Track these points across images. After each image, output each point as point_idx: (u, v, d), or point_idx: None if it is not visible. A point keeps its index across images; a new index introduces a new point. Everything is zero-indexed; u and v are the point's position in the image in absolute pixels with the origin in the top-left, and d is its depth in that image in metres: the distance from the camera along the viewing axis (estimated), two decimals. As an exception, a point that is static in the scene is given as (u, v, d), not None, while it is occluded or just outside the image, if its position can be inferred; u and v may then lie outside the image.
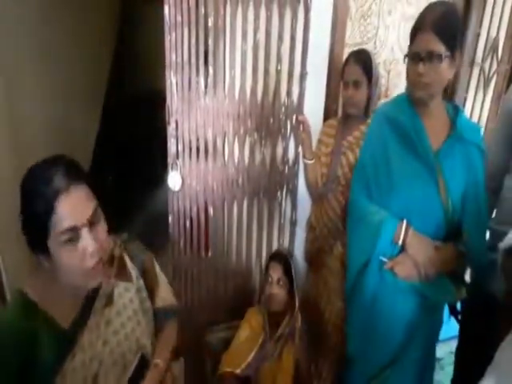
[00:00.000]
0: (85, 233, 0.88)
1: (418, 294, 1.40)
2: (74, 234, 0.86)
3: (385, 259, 1.40)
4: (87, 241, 0.88)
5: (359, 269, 1.47)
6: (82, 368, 0.96)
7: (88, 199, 0.90)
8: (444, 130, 1.36)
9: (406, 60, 1.32)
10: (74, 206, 0.86)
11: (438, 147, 1.34)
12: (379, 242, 1.39)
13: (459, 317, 1.62)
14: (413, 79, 1.30)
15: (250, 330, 1.66)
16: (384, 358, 1.51)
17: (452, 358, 1.71)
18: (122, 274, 1.08)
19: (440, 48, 1.22)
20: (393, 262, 1.38)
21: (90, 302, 1.01)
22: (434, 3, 1.29)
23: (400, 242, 1.36)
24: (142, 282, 1.13)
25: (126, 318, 1.06)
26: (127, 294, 1.08)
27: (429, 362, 1.58)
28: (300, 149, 1.90)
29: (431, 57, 1.23)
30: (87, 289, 0.99)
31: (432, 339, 1.56)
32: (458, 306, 1.62)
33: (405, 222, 1.36)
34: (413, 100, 1.35)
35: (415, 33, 1.28)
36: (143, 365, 1.08)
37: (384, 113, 1.46)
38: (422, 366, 1.53)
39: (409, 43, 1.32)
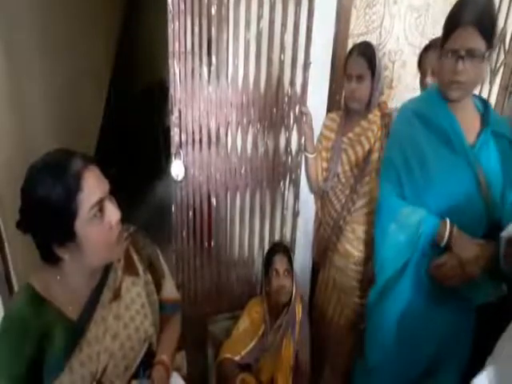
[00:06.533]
0: (108, 204, 0.92)
1: (457, 297, 1.32)
2: (99, 206, 0.90)
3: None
4: (112, 211, 0.92)
5: (392, 275, 1.37)
6: (89, 361, 0.97)
7: (102, 175, 0.94)
8: (475, 123, 1.31)
9: (438, 56, 1.25)
10: (96, 180, 0.90)
11: (473, 141, 1.29)
12: (419, 243, 1.29)
13: None
14: (448, 77, 1.21)
15: (249, 321, 1.67)
16: (414, 371, 1.44)
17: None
18: (129, 268, 1.09)
19: (481, 45, 1.14)
20: (437, 263, 1.28)
21: (97, 295, 1.01)
22: None
23: (444, 242, 1.26)
24: (149, 275, 1.13)
25: (135, 311, 1.07)
26: (135, 288, 1.08)
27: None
28: (303, 140, 1.90)
29: (472, 55, 1.15)
30: (102, 267, 1.01)
31: (467, 348, 1.46)
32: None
33: (448, 220, 1.26)
34: (446, 99, 1.28)
35: (453, 28, 1.18)
36: (149, 352, 1.10)
37: (412, 109, 1.38)
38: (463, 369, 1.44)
39: (442, 38, 1.24)
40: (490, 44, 1.16)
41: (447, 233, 1.26)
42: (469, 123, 1.30)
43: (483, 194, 1.26)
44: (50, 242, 0.89)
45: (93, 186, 0.88)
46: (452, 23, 1.20)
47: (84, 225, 0.88)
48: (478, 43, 1.15)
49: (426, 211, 1.30)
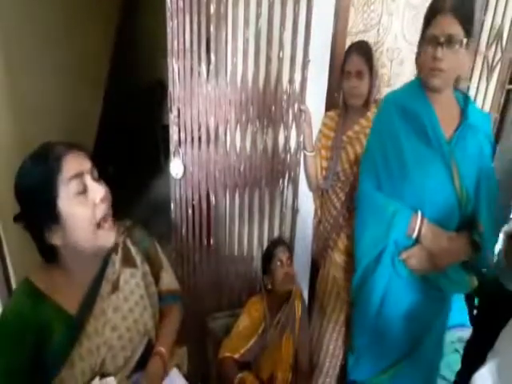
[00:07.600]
0: (90, 181, 0.93)
1: (431, 287, 1.37)
2: (81, 182, 0.91)
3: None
4: (95, 188, 0.93)
5: (369, 263, 1.43)
6: (89, 355, 0.97)
7: (86, 157, 0.96)
8: (455, 118, 1.32)
9: (419, 45, 1.27)
10: (76, 158, 0.93)
11: (450, 135, 1.30)
12: (392, 234, 1.35)
13: (475, 304, 1.60)
14: (429, 65, 1.23)
15: (249, 319, 1.67)
16: (395, 352, 1.48)
17: (453, 347, 1.71)
18: (127, 259, 1.10)
19: (460, 32, 1.18)
20: (407, 254, 1.35)
21: (96, 288, 1.02)
22: None
23: (415, 234, 1.32)
24: (147, 266, 1.14)
25: (134, 303, 1.07)
26: (133, 280, 1.09)
27: (437, 354, 1.54)
28: (302, 138, 1.90)
29: (451, 41, 1.18)
30: (102, 250, 1.00)
31: (442, 330, 1.52)
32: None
33: (419, 213, 1.32)
34: (426, 87, 1.30)
35: (433, 15, 1.22)
36: (148, 347, 1.10)
37: (394, 100, 1.41)
38: (433, 358, 1.50)
39: (423, 27, 1.26)
40: (468, 32, 1.19)
41: (418, 226, 1.31)
42: (448, 116, 1.32)
43: (456, 188, 1.29)
44: (40, 228, 0.91)
45: (71, 163, 0.91)
46: (431, 11, 1.24)
47: (68, 203, 0.90)
48: (457, 30, 1.18)
49: (401, 203, 1.35)
